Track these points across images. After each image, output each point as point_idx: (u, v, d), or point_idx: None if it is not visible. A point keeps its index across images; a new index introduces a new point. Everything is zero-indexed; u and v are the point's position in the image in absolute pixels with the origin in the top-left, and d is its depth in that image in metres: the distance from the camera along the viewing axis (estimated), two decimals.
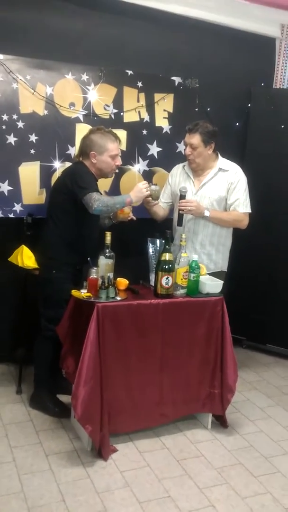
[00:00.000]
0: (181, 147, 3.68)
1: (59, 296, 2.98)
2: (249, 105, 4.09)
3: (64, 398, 3.16)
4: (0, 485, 2.45)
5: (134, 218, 3.18)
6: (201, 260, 3.14)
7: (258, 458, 2.83)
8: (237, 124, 4.15)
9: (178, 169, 3.36)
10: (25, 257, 3.11)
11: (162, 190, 3.39)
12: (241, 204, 3.16)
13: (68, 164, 3.31)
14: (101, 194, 2.89)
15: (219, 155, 3.23)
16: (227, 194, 3.16)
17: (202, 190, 3.19)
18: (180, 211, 3.10)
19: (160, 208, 3.35)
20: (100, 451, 2.71)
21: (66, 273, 3.02)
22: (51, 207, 3.06)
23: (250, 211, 3.21)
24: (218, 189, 3.16)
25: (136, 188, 3.00)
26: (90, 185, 2.86)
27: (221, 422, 3.11)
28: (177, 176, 3.33)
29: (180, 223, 3.15)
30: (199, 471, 2.68)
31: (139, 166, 3.66)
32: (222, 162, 3.21)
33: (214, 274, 3.14)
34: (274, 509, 2.44)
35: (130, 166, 3.62)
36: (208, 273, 3.11)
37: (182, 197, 3.11)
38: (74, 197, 2.86)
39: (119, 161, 3.06)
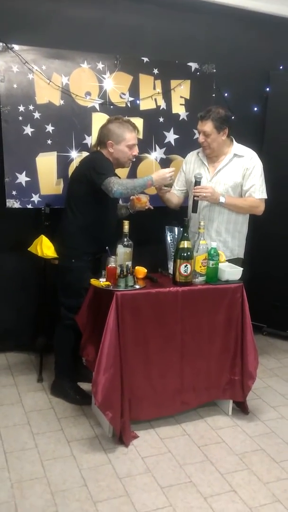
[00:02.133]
0: (198, 134, 3.64)
1: (79, 285, 3.00)
2: (268, 89, 4.03)
3: (85, 386, 3.20)
4: (23, 470, 2.50)
5: (151, 207, 3.17)
6: (217, 247, 3.12)
7: (280, 444, 2.83)
8: (255, 109, 4.09)
9: (192, 156, 3.33)
10: (44, 247, 3.13)
11: (176, 178, 3.38)
12: (257, 190, 3.12)
13: (85, 153, 3.31)
14: (119, 178, 2.88)
15: (233, 140, 3.19)
16: (242, 180, 3.13)
17: (217, 177, 3.16)
18: (195, 198, 3.08)
19: (174, 195, 3.34)
20: (121, 438, 2.73)
21: (86, 262, 3.04)
22: (69, 197, 3.08)
23: (266, 197, 3.16)
24: (233, 175, 3.13)
25: (159, 173, 2.94)
26: (108, 170, 2.86)
27: (242, 408, 3.11)
28: (192, 163, 3.30)
29: (195, 209, 3.13)
30: (220, 457, 2.69)
31: (156, 154, 3.64)
32: (237, 147, 3.17)
33: (231, 261, 3.11)
34: None
35: (147, 154, 3.61)
36: None
37: (197, 183, 3.08)
38: (92, 185, 2.87)
39: (136, 151, 3.05)
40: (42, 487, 2.39)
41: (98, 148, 3.05)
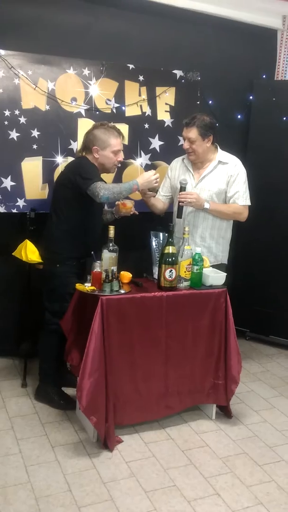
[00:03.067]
0: (183, 140, 3.69)
1: (64, 289, 3.00)
2: (251, 97, 4.10)
3: (70, 391, 3.19)
4: (7, 476, 2.49)
5: (136, 212, 3.20)
6: (201, 253, 3.15)
7: (262, 448, 2.86)
8: (239, 116, 4.15)
9: (177, 163, 3.37)
10: (29, 252, 3.13)
11: (161, 183, 3.41)
12: (241, 197, 3.17)
13: (70, 159, 3.32)
14: (105, 182, 2.90)
15: (218, 147, 3.23)
16: (226, 186, 3.17)
17: (202, 183, 3.20)
18: (180, 203, 3.11)
19: (159, 201, 3.37)
20: (106, 442, 2.74)
21: (70, 267, 3.04)
22: (54, 201, 3.08)
23: (249, 204, 3.22)
24: (217, 182, 3.17)
25: (144, 176, 2.97)
26: (94, 175, 2.88)
27: (225, 412, 3.14)
28: (177, 170, 3.34)
29: (180, 215, 3.16)
30: (204, 461, 2.71)
31: (141, 160, 3.67)
32: (222, 154, 3.22)
33: (215, 267, 3.15)
34: (279, 497, 2.47)
35: (132, 160, 3.63)
36: None
37: (182, 189, 3.12)
38: (78, 190, 2.88)
39: (121, 157, 3.08)
40: (26, 493, 2.38)
41: (84, 153, 3.06)
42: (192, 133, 3.09)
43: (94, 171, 2.94)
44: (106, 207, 3.34)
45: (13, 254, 3.22)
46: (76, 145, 3.38)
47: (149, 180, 2.97)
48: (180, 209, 3.14)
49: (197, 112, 3.34)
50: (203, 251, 3.14)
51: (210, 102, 3.91)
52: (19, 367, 3.58)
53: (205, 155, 3.17)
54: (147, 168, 3.66)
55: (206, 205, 3.11)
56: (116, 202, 3.18)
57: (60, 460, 2.63)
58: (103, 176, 3.12)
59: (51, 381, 3.18)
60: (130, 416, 2.87)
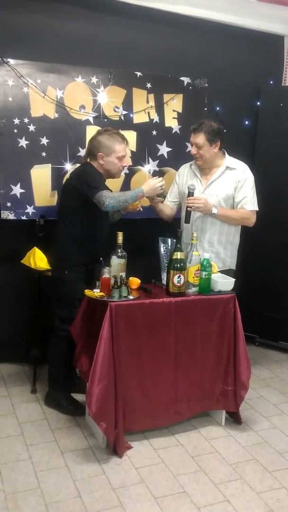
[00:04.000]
0: (190, 146, 3.70)
1: (72, 296, 3.02)
2: (258, 103, 4.10)
3: (79, 397, 3.20)
4: (17, 482, 2.50)
5: (141, 209, 3.21)
6: (209, 258, 3.15)
7: (272, 454, 2.85)
8: (247, 122, 4.16)
9: (185, 169, 3.38)
10: (37, 259, 3.15)
11: (169, 189, 3.43)
12: (249, 202, 3.17)
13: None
14: (110, 191, 2.91)
15: (226, 153, 3.25)
16: (234, 192, 3.18)
17: (210, 189, 3.21)
18: (188, 208, 3.13)
19: (167, 207, 3.38)
20: (115, 448, 2.74)
21: (79, 273, 3.06)
22: (61, 208, 3.10)
23: (257, 209, 3.22)
24: (225, 188, 3.18)
25: (150, 183, 2.98)
26: (100, 184, 2.89)
27: (235, 418, 3.13)
28: (185, 175, 3.35)
29: (187, 220, 3.17)
30: (213, 467, 2.70)
31: (149, 167, 3.69)
32: (229, 160, 3.23)
33: (223, 273, 3.14)
34: None
35: (140, 167, 3.65)
36: None
37: (190, 194, 3.13)
38: (84, 197, 2.90)
39: (126, 162, 3.10)
40: (36, 499, 2.39)
41: (88, 160, 3.07)
42: (200, 138, 3.10)
43: (100, 179, 2.95)
44: None
45: (21, 261, 3.24)
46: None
47: (155, 187, 2.98)
48: (188, 214, 3.15)
49: (204, 118, 3.36)
50: (211, 257, 3.14)
51: (218, 108, 3.92)
52: (28, 373, 3.59)
53: (213, 161, 3.18)
54: (155, 174, 3.68)
55: (214, 210, 3.12)
56: None
57: (69, 466, 2.64)
58: (110, 182, 3.14)
59: (60, 387, 3.19)
60: (139, 422, 2.87)
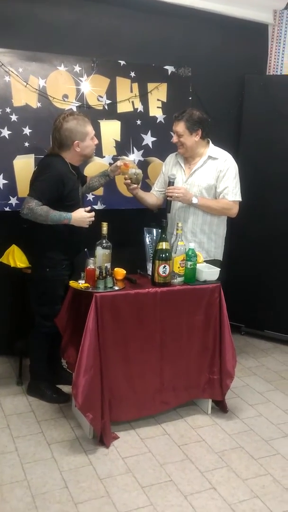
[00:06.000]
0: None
1: (54, 293, 3.00)
2: (243, 92, 4.09)
3: (65, 389, 3.20)
4: (3, 474, 2.49)
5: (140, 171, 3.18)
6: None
7: (258, 441, 2.88)
8: (231, 111, 4.15)
9: (171, 158, 3.37)
10: (17, 258, 3.10)
11: (156, 179, 3.42)
12: (230, 192, 3.16)
13: None
14: (42, 204, 2.81)
15: (210, 142, 3.24)
16: (216, 182, 3.17)
17: (192, 178, 3.20)
18: (168, 198, 3.12)
19: (151, 195, 3.38)
20: (102, 439, 2.74)
21: (59, 270, 3.02)
22: None
23: (240, 199, 3.21)
24: (207, 177, 3.18)
25: (80, 214, 2.89)
26: (41, 194, 2.81)
27: (221, 407, 3.15)
28: (170, 165, 3.34)
29: (169, 209, 3.18)
30: (200, 456, 2.72)
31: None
32: (212, 150, 3.22)
33: (209, 263, 3.15)
34: (275, 490, 2.48)
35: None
36: None
37: (171, 183, 3.13)
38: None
39: (96, 140, 3.05)
40: (22, 490, 2.39)
41: (60, 151, 2.94)
42: (180, 126, 3.10)
43: (46, 188, 2.83)
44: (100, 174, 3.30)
45: (0, 260, 3.18)
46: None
47: (82, 219, 2.88)
48: (168, 203, 3.15)
49: (188, 106, 3.34)
50: (194, 247, 3.14)
51: (202, 97, 3.90)
52: (14, 366, 3.57)
53: (194, 149, 3.18)
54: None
55: (194, 200, 3.11)
56: (117, 163, 3.16)
57: (56, 457, 2.64)
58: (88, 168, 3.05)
59: (42, 377, 3.18)
60: (126, 412, 2.88)
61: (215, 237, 3.28)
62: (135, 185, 3.20)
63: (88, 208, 2.97)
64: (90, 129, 2.95)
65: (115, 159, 3.45)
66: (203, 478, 2.54)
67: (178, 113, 3.13)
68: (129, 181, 3.17)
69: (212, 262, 3.23)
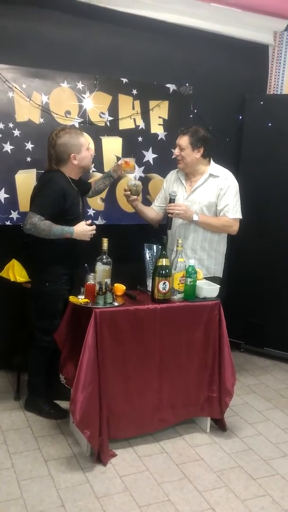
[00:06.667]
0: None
1: (53, 307, 3.00)
2: (244, 111, 4.13)
3: (63, 405, 3.17)
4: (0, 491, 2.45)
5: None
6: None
7: (257, 461, 2.84)
8: (232, 129, 4.19)
9: (172, 175, 3.40)
10: (17, 273, 3.10)
11: (157, 194, 3.45)
12: (231, 210, 3.18)
13: None
14: (44, 219, 2.82)
15: (211, 161, 3.26)
16: (217, 200, 3.19)
17: (193, 196, 3.22)
18: (169, 215, 3.14)
19: (151, 210, 3.40)
20: (99, 456, 2.71)
21: (60, 284, 3.01)
22: None
23: (240, 217, 3.22)
24: (208, 195, 3.19)
25: (82, 228, 2.91)
26: (43, 209, 2.83)
27: (219, 425, 3.12)
28: (171, 181, 3.37)
29: (169, 226, 3.20)
30: (198, 475, 2.68)
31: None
32: (214, 168, 3.24)
33: (208, 280, 3.14)
34: (274, 511, 2.45)
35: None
36: None
37: (172, 200, 3.15)
38: None
39: (92, 150, 3.09)
40: (18, 508, 2.35)
41: (58, 167, 2.97)
42: (183, 140, 3.14)
43: (48, 204, 2.85)
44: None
45: (0, 274, 3.18)
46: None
47: (84, 233, 2.90)
48: (169, 220, 3.17)
49: (190, 124, 3.37)
50: (194, 263, 3.14)
51: (203, 115, 3.94)
52: (11, 380, 3.55)
53: (194, 166, 3.20)
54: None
55: (195, 217, 3.13)
56: (119, 162, 3.26)
57: (53, 475, 2.60)
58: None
59: (40, 392, 3.16)
60: (124, 430, 2.85)
61: (215, 254, 3.29)
62: (135, 197, 3.24)
63: (89, 221, 2.98)
64: (83, 140, 2.98)
65: (117, 158, 3.50)
66: (201, 498, 2.51)
67: (184, 128, 3.19)
68: (128, 192, 3.21)
69: (212, 279, 3.23)
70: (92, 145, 3.11)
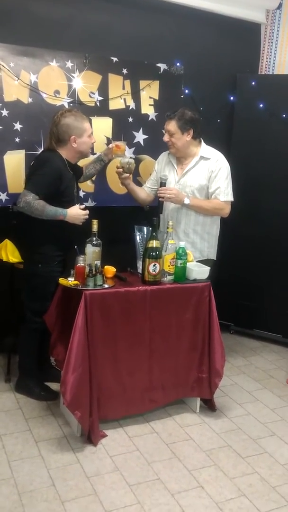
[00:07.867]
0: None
1: (45, 289, 2.99)
2: (235, 91, 4.09)
3: (54, 386, 3.18)
4: None
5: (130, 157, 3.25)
6: (185, 247, 3.14)
7: (245, 440, 2.89)
8: (223, 110, 4.14)
9: (164, 156, 3.37)
10: (9, 252, 3.09)
11: (148, 176, 3.41)
12: (222, 193, 3.16)
13: None
14: (39, 199, 2.81)
15: (202, 142, 3.23)
16: (208, 182, 3.17)
17: (184, 178, 3.20)
18: (160, 199, 3.12)
19: (143, 190, 3.38)
20: (90, 437, 2.74)
21: (52, 266, 3.00)
22: None
23: (231, 200, 3.20)
24: (199, 178, 3.17)
25: (75, 211, 2.90)
26: (38, 188, 2.81)
27: (209, 406, 3.16)
28: (162, 163, 3.34)
29: (160, 210, 3.18)
30: (188, 454, 2.72)
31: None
32: (205, 150, 3.21)
33: (202, 263, 3.14)
34: (261, 488, 2.49)
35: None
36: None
37: (163, 184, 3.12)
38: None
39: (94, 139, 3.07)
40: (9, 488, 2.37)
41: (56, 147, 2.95)
42: (171, 125, 3.10)
43: (44, 183, 2.84)
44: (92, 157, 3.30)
45: None
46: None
47: (77, 216, 2.90)
48: (160, 204, 3.15)
49: (181, 105, 3.33)
50: (187, 247, 3.14)
51: (194, 95, 3.90)
52: (2, 362, 3.55)
53: (186, 149, 3.17)
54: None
55: (186, 201, 3.11)
56: (109, 145, 3.24)
57: (43, 455, 2.62)
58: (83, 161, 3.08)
59: (31, 374, 3.16)
60: (114, 410, 2.88)
61: (208, 237, 3.28)
62: (127, 174, 3.21)
63: (83, 205, 2.96)
64: (87, 126, 2.97)
65: (108, 142, 3.46)
66: (190, 476, 2.55)
67: (170, 112, 3.13)
68: (121, 169, 3.18)
69: (206, 261, 3.22)
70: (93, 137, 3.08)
